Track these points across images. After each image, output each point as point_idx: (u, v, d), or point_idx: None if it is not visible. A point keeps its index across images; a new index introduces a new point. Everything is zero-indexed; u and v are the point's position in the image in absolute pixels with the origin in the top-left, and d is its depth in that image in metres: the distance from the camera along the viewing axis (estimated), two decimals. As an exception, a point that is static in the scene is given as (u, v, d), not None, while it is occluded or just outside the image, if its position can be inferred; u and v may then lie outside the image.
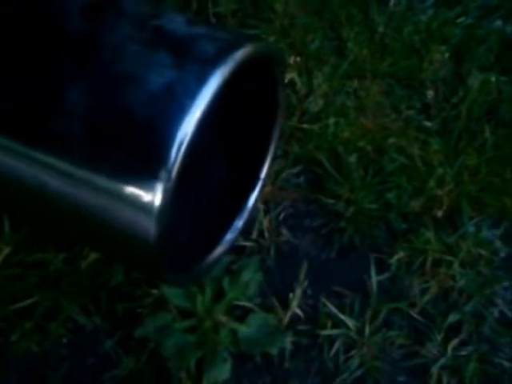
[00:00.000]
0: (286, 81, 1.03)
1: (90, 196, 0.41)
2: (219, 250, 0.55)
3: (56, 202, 0.43)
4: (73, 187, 0.41)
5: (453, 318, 0.82)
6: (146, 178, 0.39)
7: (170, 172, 0.38)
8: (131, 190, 0.40)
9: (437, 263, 0.85)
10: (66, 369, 0.75)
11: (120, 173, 0.39)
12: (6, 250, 0.77)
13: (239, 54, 0.40)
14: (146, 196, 0.40)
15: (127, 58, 0.38)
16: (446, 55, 1.09)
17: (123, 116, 0.38)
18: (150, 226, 0.42)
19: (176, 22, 0.42)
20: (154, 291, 0.77)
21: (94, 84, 0.38)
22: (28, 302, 0.76)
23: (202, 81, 0.38)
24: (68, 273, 0.78)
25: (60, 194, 0.42)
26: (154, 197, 0.40)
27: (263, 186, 0.57)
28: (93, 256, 0.79)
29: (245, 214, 0.57)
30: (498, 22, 1.15)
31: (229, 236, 0.56)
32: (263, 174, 0.56)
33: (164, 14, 0.43)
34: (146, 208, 0.41)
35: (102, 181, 0.40)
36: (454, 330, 0.81)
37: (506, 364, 0.80)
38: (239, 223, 0.57)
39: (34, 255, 0.78)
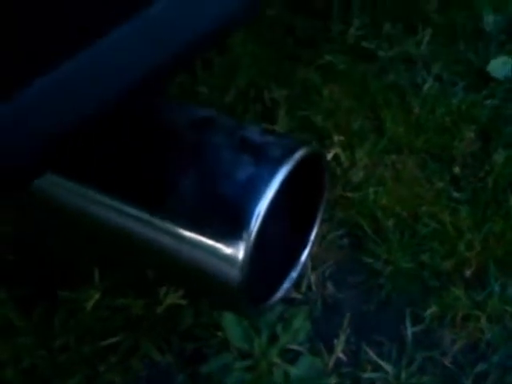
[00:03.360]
0: (331, 156, 1.19)
1: (193, 251, 0.59)
2: (278, 295, 0.69)
3: (166, 256, 0.60)
4: (180, 245, 0.59)
5: (481, 367, 0.90)
6: (233, 239, 0.57)
7: (250, 235, 0.56)
8: (223, 247, 0.57)
9: (466, 318, 0.95)
10: (144, 400, 0.88)
11: (216, 235, 0.57)
12: (97, 296, 0.93)
13: (298, 155, 0.58)
14: (233, 251, 0.57)
15: (222, 158, 0.58)
16: (475, 134, 1.22)
17: (219, 197, 0.57)
18: (235, 275, 0.58)
19: (254, 132, 0.61)
20: (219, 333, 0.90)
21: (200, 176, 0.57)
22: (113, 340, 0.89)
23: (272, 175, 0.56)
24: (146, 316, 0.92)
25: (170, 250, 0.59)
26: (238, 252, 0.57)
27: (312, 246, 0.72)
28: (167, 302, 0.93)
29: (298, 268, 0.72)
30: (523, 104, 1.27)
31: (286, 285, 0.70)
32: (312, 237, 0.72)
33: (246, 126, 0.62)
34: (232, 261, 0.57)
35: (202, 241, 0.58)
36: (482, 378, 0.90)
37: (531, 411, 0.87)
38: (294, 275, 0.71)
39: (118, 300, 0.93)
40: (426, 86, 1.25)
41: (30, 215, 0.72)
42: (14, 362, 0.84)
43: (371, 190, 1.09)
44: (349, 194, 1.09)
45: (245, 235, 0.56)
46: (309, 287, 0.98)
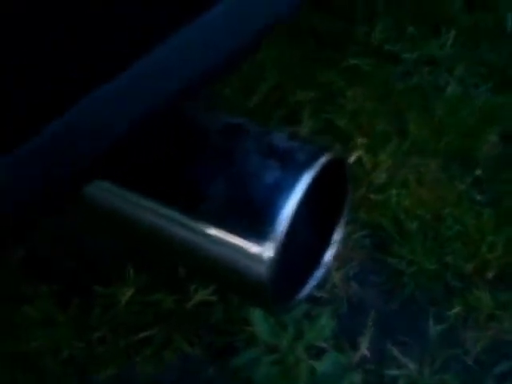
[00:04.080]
0: (355, 158, 1.21)
1: (224, 250, 0.62)
2: (303, 293, 0.72)
3: (199, 255, 0.64)
4: (213, 245, 0.62)
5: (503, 367, 0.92)
6: (262, 239, 0.60)
7: (278, 235, 0.59)
8: (253, 246, 0.61)
9: (489, 318, 0.97)
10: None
11: (246, 234, 0.61)
12: (130, 292, 0.97)
13: (322, 160, 0.62)
14: (262, 251, 0.60)
15: (251, 162, 0.61)
16: (498, 136, 1.23)
17: (248, 200, 0.60)
18: (263, 273, 0.61)
19: (280, 138, 0.65)
20: (248, 328, 0.93)
21: (230, 179, 0.61)
22: (147, 333, 0.93)
23: (298, 179, 0.60)
24: (177, 311, 0.96)
25: (203, 250, 0.63)
26: (267, 251, 0.60)
27: (336, 247, 0.76)
28: (197, 298, 0.97)
29: (322, 267, 0.75)
30: (547, 107, 1.28)
31: (310, 283, 0.73)
32: (336, 237, 0.75)
33: (273, 132, 0.66)
34: (261, 259, 0.61)
35: (234, 240, 0.61)
36: (504, 378, 0.92)
37: (552, 410, 0.89)
38: (318, 274, 0.74)
39: (151, 296, 0.97)
40: (449, 89, 1.26)
41: (70, 215, 0.76)
42: (53, 353, 0.88)
43: (394, 191, 1.11)
44: (372, 196, 1.11)
45: (274, 235, 0.59)
46: (334, 286, 1.01)
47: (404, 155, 1.18)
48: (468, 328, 0.96)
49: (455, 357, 0.93)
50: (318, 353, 0.93)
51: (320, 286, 0.99)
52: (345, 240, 1.06)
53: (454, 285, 1.01)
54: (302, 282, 0.73)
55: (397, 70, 1.31)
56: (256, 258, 0.60)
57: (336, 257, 1.06)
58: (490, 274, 1.02)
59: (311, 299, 0.98)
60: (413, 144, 1.19)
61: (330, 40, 1.35)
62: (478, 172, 1.16)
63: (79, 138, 0.51)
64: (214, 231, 0.61)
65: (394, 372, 0.91)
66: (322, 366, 0.91)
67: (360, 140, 1.20)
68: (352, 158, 1.18)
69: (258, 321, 0.92)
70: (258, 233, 0.60)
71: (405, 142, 1.19)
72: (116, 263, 0.98)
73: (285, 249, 0.62)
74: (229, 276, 0.64)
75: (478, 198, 1.12)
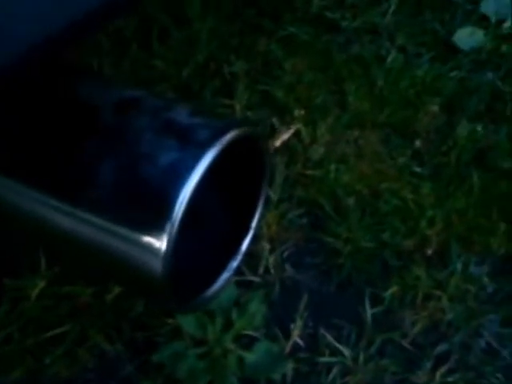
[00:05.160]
0: (292, 131, 1.14)
1: (114, 242, 0.54)
2: (216, 286, 0.66)
3: (89, 247, 0.55)
4: (101, 236, 0.54)
5: (441, 347, 0.89)
6: (155, 230, 0.52)
7: (173, 225, 0.52)
8: (144, 238, 0.53)
9: (427, 297, 0.93)
10: (91, 391, 0.84)
11: (137, 225, 0.53)
12: (42, 284, 0.88)
13: (226, 138, 0.54)
14: (155, 243, 0.52)
15: (144, 142, 0.52)
16: (439, 106, 1.18)
17: (140, 185, 0.52)
18: (157, 266, 0.53)
19: (181, 114, 0.56)
20: (171, 321, 0.86)
21: (120, 161, 0.52)
22: (59, 330, 0.85)
23: (197, 159, 0.52)
24: (95, 305, 0.88)
25: (92, 241, 0.54)
26: (161, 243, 0.52)
27: (254, 234, 0.69)
28: (116, 290, 0.89)
29: (239, 257, 0.69)
30: (489, 75, 1.24)
31: (225, 275, 0.67)
32: (254, 224, 0.68)
33: (174, 106, 0.57)
34: (155, 252, 0.53)
35: (123, 231, 0.53)
36: (443, 359, 0.88)
37: (491, 391, 0.86)
38: (234, 264, 0.68)
39: (65, 288, 0.89)
40: (390, 58, 1.21)
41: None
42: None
43: (332, 167, 1.06)
44: (309, 172, 1.06)
45: (167, 226, 0.51)
46: (266, 269, 0.95)
47: (343, 128, 1.12)
48: (405, 309, 0.91)
49: (392, 340, 0.89)
50: (249, 343, 0.87)
51: (252, 270, 0.94)
52: (279, 219, 1.00)
53: (392, 263, 0.96)
54: (215, 275, 0.66)
55: (337, 39, 1.26)
56: (148, 250, 0.52)
57: (270, 237, 1.01)
58: (429, 251, 0.98)
59: (242, 284, 0.91)
60: (352, 116, 1.14)
61: (269, 8, 1.27)
62: (418, 144, 1.12)
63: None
64: (100, 221, 0.53)
65: (327, 360, 0.86)
66: (252, 356, 0.85)
67: (298, 112, 1.14)
68: (289, 132, 1.12)
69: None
70: (151, 222, 0.52)
71: (344, 115, 1.14)
72: (27, 253, 0.89)
73: (186, 239, 0.54)
74: (121, 272, 0.56)
75: (418, 170, 1.07)
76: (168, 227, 0.51)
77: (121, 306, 0.88)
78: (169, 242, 0.51)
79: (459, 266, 0.95)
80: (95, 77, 0.60)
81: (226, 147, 0.53)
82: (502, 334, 0.90)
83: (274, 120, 1.12)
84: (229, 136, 0.54)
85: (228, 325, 0.87)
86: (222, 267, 0.65)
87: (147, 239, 0.52)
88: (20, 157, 0.55)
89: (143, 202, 0.52)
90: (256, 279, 0.94)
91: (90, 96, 0.56)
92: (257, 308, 0.88)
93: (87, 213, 0.53)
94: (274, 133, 1.11)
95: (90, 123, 0.53)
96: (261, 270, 0.95)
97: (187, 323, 0.85)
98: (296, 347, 0.88)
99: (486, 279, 0.95)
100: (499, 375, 0.86)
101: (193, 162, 0.51)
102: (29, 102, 0.54)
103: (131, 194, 0.52)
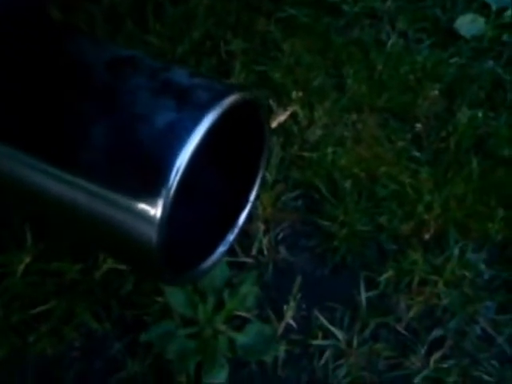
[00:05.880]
0: (289, 113, 1.12)
1: (106, 209, 0.51)
2: (212, 258, 0.63)
3: (79, 214, 0.52)
4: (93, 202, 0.51)
5: (436, 333, 0.87)
6: (150, 196, 0.49)
7: (169, 191, 0.48)
8: (139, 204, 0.50)
9: (423, 282, 0.91)
10: (77, 370, 0.81)
11: (131, 191, 0.49)
12: (27, 260, 0.85)
13: (226, 102, 0.51)
14: (150, 210, 0.49)
15: (139, 102, 0.49)
16: (439, 92, 1.17)
17: (135, 147, 0.49)
18: (152, 234, 0.50)
19: (180, 75, 0.53)
20: (160, 299, 0.84)
21: (113, 123, 0.49)
22: (45, 307, 0.82)
23: (196, 121, 0.49)
24: (83, 282, 0.85)
25: (83, 208, 0.51)
26: (156, 210, 0.49)
27: (252, 207, 0.66)
28: (105, 267, 0.86)
29: (236, 230, 0.66)
30: (490, 63, 1.23)
31: (221, 248, 0.64)
32: (252, 197, 0.66)
33: (172, 67, 0.54)
34: (149, 219, 0.50)
35: (117, 197, 0.50)
36: (437, 344, 0.86)
37: (485, 377, 0.84)
38: (230, 237, 0.65)
39: (52, 264, 0.86)
40: (390, 43, 1.20)
41: None
42: None
43: (329, 149, 1.04)
44: (306, 154, 1.04)
45: (163, 191, 0.48)
46: (260, 251, 0.93)
47: (341, 111, 1.10)
48: (400, 293, 0.89)
49: (386, 324, 0.87)
50: (240, 324, 0.84)
51: (245, 250, 0.91)
52: (275, 200, 0.98)
53: (388, 247, 0.95)
54: (211, 248, 0.63)
55: (337, 23, 1.23)
56: (142, 217, 0.49)
57: (265, 218, 0.99)
58: (426, 236, 0.96)
59: (235, 265, 0.89)
60: (351, 99, 1.12)
61: (268, -12, 1.25)
62: (418, 129, 1.10)
63: None
64: (92, 186, 0.50)
65: (320, 342, 0.84)
66: (244, 338, 0.83)
67: (295, 94, 1.11)
68: (286, 114, 1.10)
69: (173, 291, 0.83)
70: (145, 187, 0.48)
71: (343, 98, 1.12)
72: (12, 228, 0.86)
73: (182, 209, 0.51)
74: (113, 240, 0.53)
75: (417, 155, 1.06)
76: (164, 193, 0.48)
77: (110, 284, 0.85)
78: (164, 209, 0.48)
79: (456, 252, 0.94)
80: (87, 35, 0.57)
81: (227, 111, 0.50)
82: (497, 320, 0.89)
83: (271, 101, 1.10)
84: (230, 99, 0.51)
85: (219, 305, 0.85)
86: (218, 241, 0.62)
87: (141, 206, 0.49)
88: (7, 118, 0.52)
89: (138, 165, 0.49)
90: (249, 260, 0.92)
91: (82, 53, 0.53)
92: (249, 289, 0.86)
93: (78, 177, 0.50)
94: (270, 114, 1.09)
95: (82, 82, 0.50)
96: (254, 251, 0.93)
97: (177, 302, 0.83)
98: (289, 329, 0.86)
99: (482, 265, 0.94)
100: (494, 362, 0.85)
101: (192, 123, 0.48)
102: (16, 59, 0.51)
103: (125, 157, 0.49)
